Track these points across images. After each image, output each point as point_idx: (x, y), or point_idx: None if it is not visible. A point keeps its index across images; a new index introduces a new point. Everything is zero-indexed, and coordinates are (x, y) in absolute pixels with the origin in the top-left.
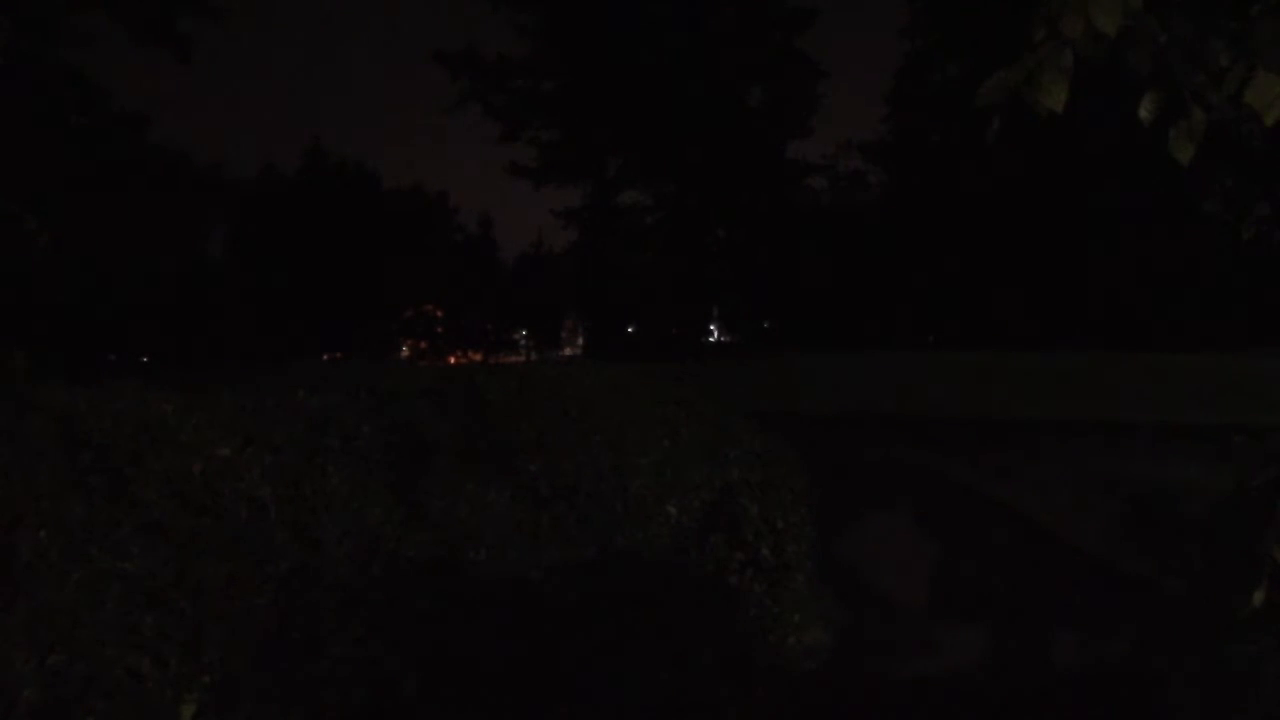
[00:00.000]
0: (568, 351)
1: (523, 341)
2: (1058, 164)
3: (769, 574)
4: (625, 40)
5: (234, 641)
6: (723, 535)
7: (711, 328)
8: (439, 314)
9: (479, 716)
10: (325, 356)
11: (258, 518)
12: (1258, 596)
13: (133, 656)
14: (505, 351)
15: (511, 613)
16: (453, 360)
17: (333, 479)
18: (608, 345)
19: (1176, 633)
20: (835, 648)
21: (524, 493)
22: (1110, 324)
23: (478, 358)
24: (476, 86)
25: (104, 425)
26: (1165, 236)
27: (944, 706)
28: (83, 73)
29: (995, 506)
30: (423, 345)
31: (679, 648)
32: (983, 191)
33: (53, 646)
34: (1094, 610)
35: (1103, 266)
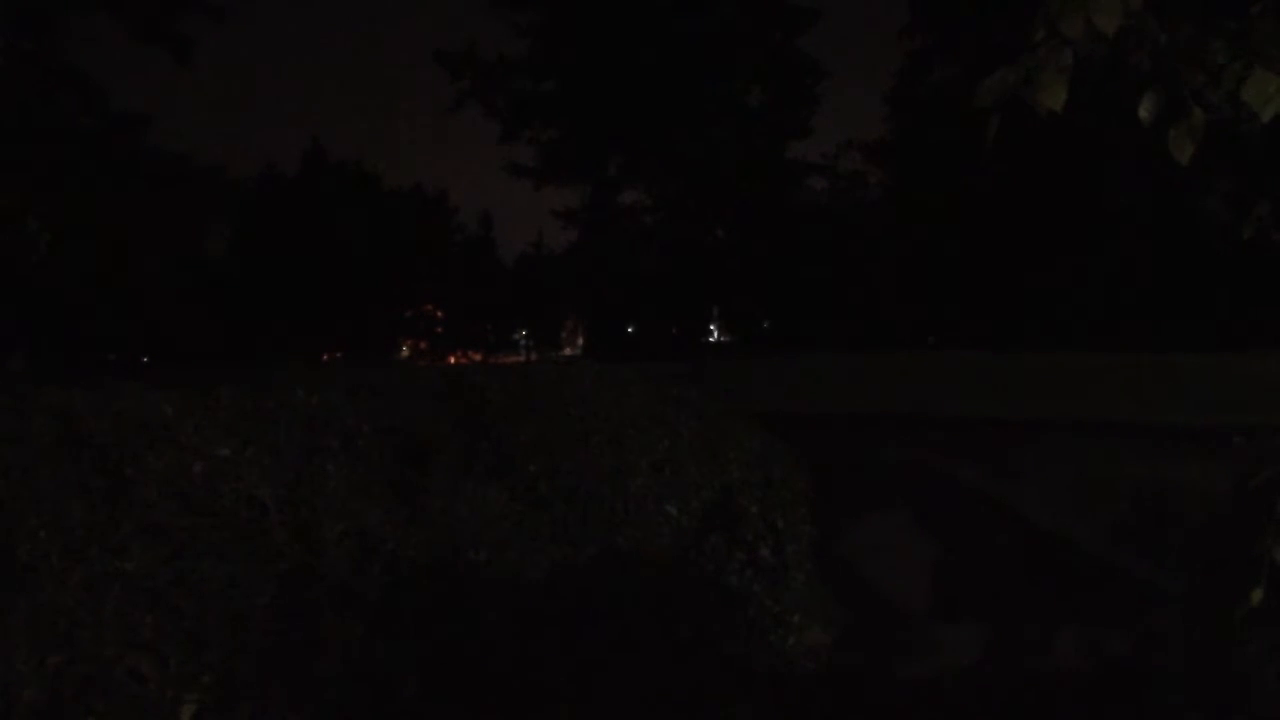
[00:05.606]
0: (568, 351)
1: (523, 341)
2: (1058, 164)
3: (769, 574)
4: (625, 40)
5: (234, 641)
6: (723, 535)
7: (711, 328)
8: (439, 314)
9: (479, 717)
10: (325, 356)
11: (258, 518)
12: (1257, 596)
13: (133, 656)
14: (505, 351)
15: (512, 613)
16: (453, 360)
17: (333, 479)
18: (608, 345)
19: (1176, 633)
20: (835, 648)
21: (524, 493)
22: (1110, 324)
23: (478, 358)
24: (476, 86)
25: (104, 425)
26: (1165, 236)
27: (944, 706)
28: (83, 73)
29: (995, 506)
30: (423, 345)
31: (679, 648)
32: (983, 191)
33: (53, 646)
34: (1094, 610)
35: (1103, 266)
